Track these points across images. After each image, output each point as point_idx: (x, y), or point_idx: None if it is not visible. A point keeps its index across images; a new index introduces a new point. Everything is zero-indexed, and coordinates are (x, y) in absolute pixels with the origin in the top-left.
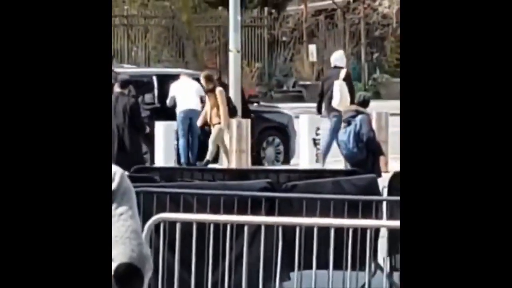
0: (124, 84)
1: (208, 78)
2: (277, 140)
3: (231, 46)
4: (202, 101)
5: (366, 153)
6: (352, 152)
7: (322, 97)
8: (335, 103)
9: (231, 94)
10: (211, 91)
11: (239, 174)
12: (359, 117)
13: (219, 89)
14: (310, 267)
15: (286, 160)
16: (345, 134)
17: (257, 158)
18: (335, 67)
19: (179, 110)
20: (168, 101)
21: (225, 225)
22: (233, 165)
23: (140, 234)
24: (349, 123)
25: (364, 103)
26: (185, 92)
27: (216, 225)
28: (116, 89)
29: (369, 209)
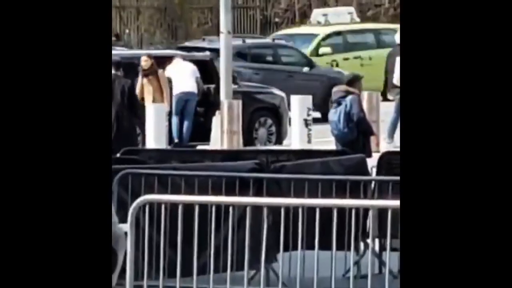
0: (116, 66)
1: (148, 60)
2: (269, 121)
3: (222, 27)
4: (198, 82)
5: (356, 133)
6: (342, 133)
7: (387, 75)
8: (395, 80)
9: (222, 75)
10: (152, 73)
11: (229, 155)
12: (349, 97)
13: (160, 71)
14: (301, 248)
15: (279, 141)
16: (335, 114)
17: (249, 139)
18: (398, 44)
19: (175, 92)
20: None
21: (212, 206)
22: (225, 146)
23: (112, 214)
24: (339, 103)
25: (353, 82)
26: (181, 74)
27: (203, 206)
28: None
29: (358, 189)
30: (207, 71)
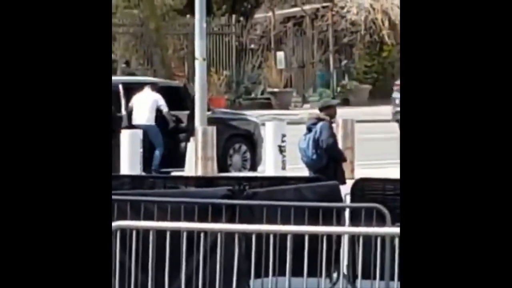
0: None
1: None
2: (244, 147)
3: (197, 54)
4: (160, 112)
5: (326, 160)
6: (311, 159)
7: None
8: None
9: (197, 101)
10: None
11: (203, 181)
12: (320, 124)
13: None
14: (273, 274)
15: (253, 167)
16: (304, 141)
17: (224, 166)
18: None
19: (134, 122)
20: (124, 110)
21: (184, 232)
22: (199, 172)
23: None
24: (310, 130)
25: (327, 109)
26: (141, 105)
27: (176, 232)
28: None
29: (330, 216)
30: (181, 97)
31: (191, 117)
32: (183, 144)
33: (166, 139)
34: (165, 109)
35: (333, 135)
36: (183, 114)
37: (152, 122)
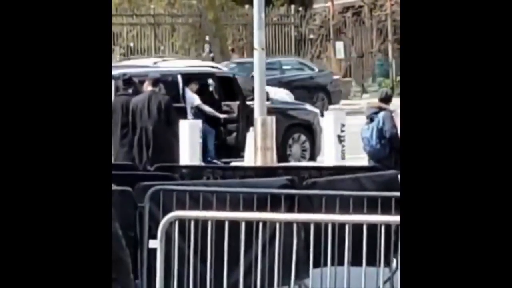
0: (155, 82)
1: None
2: (303, 137)
3: (256, 44)
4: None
5: (389, 150)
6: (375, 149)
7: None
8: None
9: (256, 91)
10: None
11: (262, 171)
12: (382, 113)
13: None
14: (332, 264)
15: (312, 157)
16: (367, 130)
17: (283, 155)
18: None
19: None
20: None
21: (243, 222)
22: (259, 163)
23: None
24: (371, 120)
25: (387, 99)
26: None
27: (234, 222)
28: (148, 87)
29: (389, 206)
30: (231, 88)
31: (241, 107)
32: (234, 135)
33: (216, 131)
34: (196, 102)
35: (395, 125)
36: (234, 104)
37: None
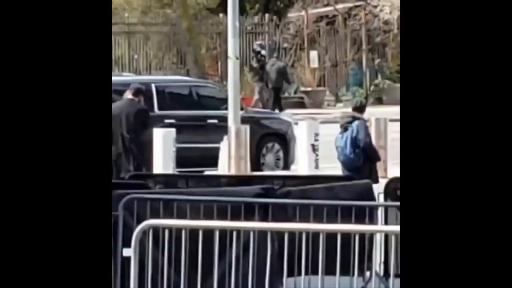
0: (136, 92)
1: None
2: (277, 147)
3: (230, 53)
4: None
5: (363, 159)
6: (349, 158)
7: None
8: None
9: (230, 101)
10: None
11: (236, 180)
12: (356, 122)
13: None
14: (306, 273)
15: (286, 166)
16: (342, 139)
17: (257, 165)
18: None
19: None
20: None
21: (217, 231)
22: (232, 172)
23: None
24: (345, 129)
25: (361, 108)
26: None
27: (208, 231)
28: (127, 95)
29: (363, 215)
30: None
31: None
32: None
33: None
34: None
35: (369, 134)
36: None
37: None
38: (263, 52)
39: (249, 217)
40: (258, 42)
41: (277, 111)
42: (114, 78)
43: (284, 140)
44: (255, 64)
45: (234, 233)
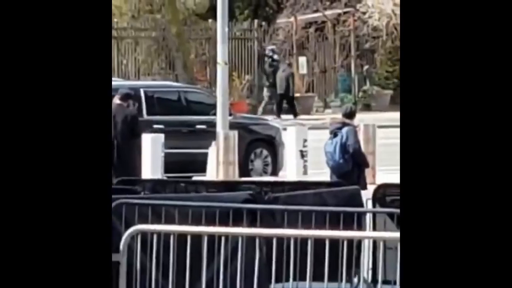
0: (124, 97)
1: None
2: (265, 152)
3: (219, 58)
4: None
5: (352, 165)
6: (338, 164)
7: None
8: None
9: (218, 106)
10: None
11: (224, 186)
12: (345, 128)
13: None
14: (294, 279)
15: (274, 172)
16: (331, 145)
17: (245, 170)
18: None
19: None
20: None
21: (206, 236)
22: (221, 177)
23: None
24: (335, 135)
25: (350, 114)
26: None
27: (196, 236)
28: (116, 101)
29: (351, 221)
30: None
31: None
32: None
33: None
34: None
35: (358, 141)
36: None
37: None
38: (275, 56)
39: (237, 222)
40: (270, 47)
41: (290, 116)
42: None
43: (273, 145)
44: (268, 69)
45: (222, 239)
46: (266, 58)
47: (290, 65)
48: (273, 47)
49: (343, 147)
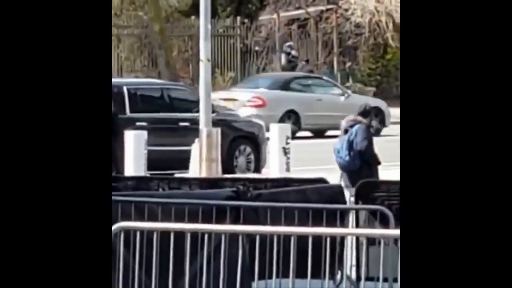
0: None
1: None
2: (248, 149)
3: (202, 55)
4: None
5: (360, 162)
6: (344, 160)
7: None
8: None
9: (201, 103)
10: None
11: (207, 183)
12: (356, 126)
13: None
14: (277, 276)
15: (257, 169)
16: (339, 142)
17: (229, 167)
18: None
19: None
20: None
21: (189, 233)
22: (203, 174)
23: None
24: (346, 132)
25: (365, 113)
26: None
27: (179, 233)
28: None
29: (334, 218)
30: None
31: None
32: None
33: None
34: None
35: (368, 138)
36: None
37: None
38: (293, 52)
39: (220, 219)
40: (288, 44)
41: None
42: None
43: (256, 143)
44: (287, 65)
45: (205, 236)
46: (283, 55)
47: (307, 61)
48: (291, 43)
49: (350, 144)
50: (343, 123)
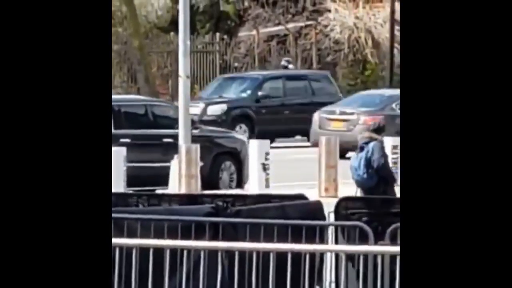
0: None
1: None
2: (231, 165)
3: (181, 71)
4: None
5: (376, 179)
6: (362, 178)
7: None
8: None
9: (180, 119)
10: None
11: (186, 199)
12: (372, 143)
13: None
14: None
15: (240, 185)
16: (356, 159)
17: (213, 183)
18: None
19: None
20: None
21: (169, 250)
22: (183, 190)
23: None
24: (361, 149)
25: (378, 129)
26: None
27: (159, 250)
28: None
29: (313, 234)
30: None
31: None
32: None
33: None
34: None
35: (384, 156)
36: None
37: None
38: (290, 66)
39: (199, 236)
40: (286, 58)
41: None
42: None
43: (238, 158)
44: None
45: (185, 252)
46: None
47: None
48: (289, 58)
49: (368, 162)
50: (359, 140)
